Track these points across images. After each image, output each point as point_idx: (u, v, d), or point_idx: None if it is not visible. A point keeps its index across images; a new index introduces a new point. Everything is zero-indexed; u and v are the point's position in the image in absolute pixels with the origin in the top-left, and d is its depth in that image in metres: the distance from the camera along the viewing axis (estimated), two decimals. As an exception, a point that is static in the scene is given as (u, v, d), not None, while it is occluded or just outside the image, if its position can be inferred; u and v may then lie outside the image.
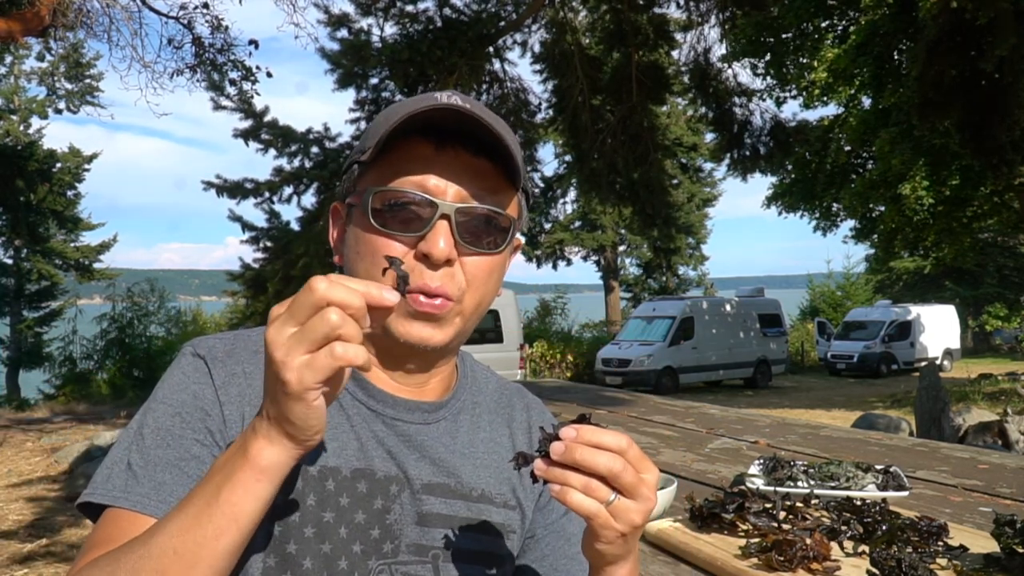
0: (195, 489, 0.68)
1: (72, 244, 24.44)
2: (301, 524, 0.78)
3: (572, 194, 20.75)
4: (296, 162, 8.88)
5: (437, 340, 0.82)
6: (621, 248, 30.81)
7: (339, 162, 8.43)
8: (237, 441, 0.68)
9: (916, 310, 23.29)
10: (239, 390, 0.80)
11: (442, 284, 0.80)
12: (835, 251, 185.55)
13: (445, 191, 0.80)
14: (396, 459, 0.84)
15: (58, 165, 23.43)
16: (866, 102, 19.54)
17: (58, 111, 23.84)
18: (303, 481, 0.78)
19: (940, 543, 1.64)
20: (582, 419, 0.71)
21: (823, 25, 18.47)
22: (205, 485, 0.67)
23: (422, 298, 0.80)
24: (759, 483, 2.18)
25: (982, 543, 1.67)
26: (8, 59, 23.14)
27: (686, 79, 11.28)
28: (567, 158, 14.15)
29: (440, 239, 0.78)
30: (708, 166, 29.63)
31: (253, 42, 11.01)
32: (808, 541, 1.57)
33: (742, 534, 1.79)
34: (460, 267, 0.82)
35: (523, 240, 0.94)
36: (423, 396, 0.88)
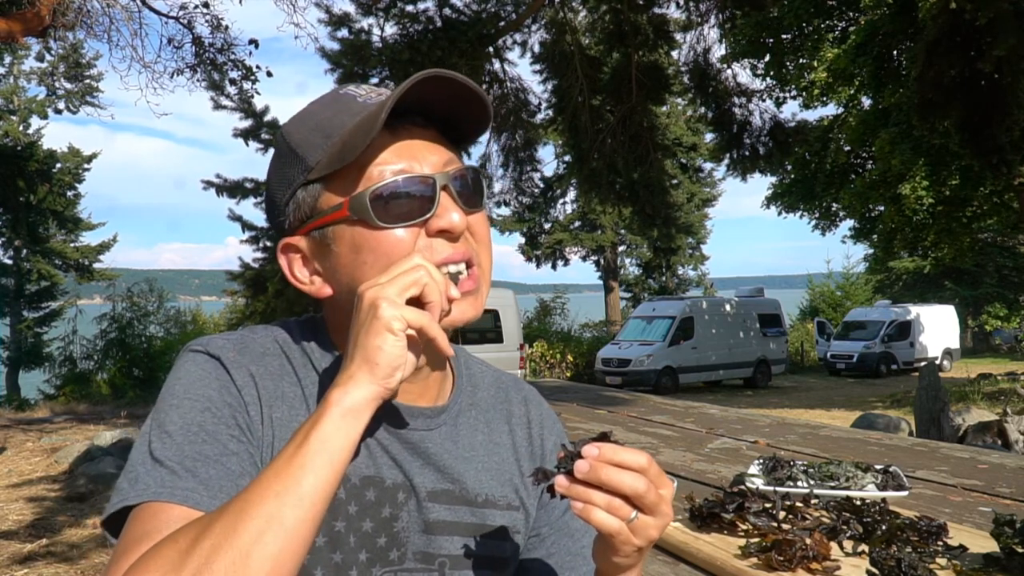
0: (273, 461, 0.66)
1: (72, 244, 24.45)
2: None
3: (572, 194, 20.78)
4: (296, 162, 8.87)
5: (477, 312, 0.81)
6: (621, 248, 30.80)
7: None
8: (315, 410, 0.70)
9: (916, 310, 23.29)
10: (255, 392, 0.79)
11: (467, 250, 0.80)
12: (835, 251, 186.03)
13: (424, 165, 0.79)
14: (402, 466, 0.83)
15: (58, 165, 23.44)
16: (866, 102, 19.57)
17: (58, 111, 23.83)
18: None
19: (940, 543, 1.65)
20: (603, 437, 0.71)
21: (823, 25, 18.49)
22: (286, 448, 0.67)
23: (463, 276, 0.80)
24: (759, 483, 2.19)
25: (981, 543, 1.67)
26: (8, 59, 23.13)
27: (686, 79, 11.27)
28: (567, 158, 14.15)
29: (452, 212, 0.78)
30: (708, 166, 29.64)
31: (253, 42, 11.01)
32: (808, 541, 1.58)
33: (742, 534, 1.79)
34: (469, 232, 0.82)
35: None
36: (423, 398, 0.87)
